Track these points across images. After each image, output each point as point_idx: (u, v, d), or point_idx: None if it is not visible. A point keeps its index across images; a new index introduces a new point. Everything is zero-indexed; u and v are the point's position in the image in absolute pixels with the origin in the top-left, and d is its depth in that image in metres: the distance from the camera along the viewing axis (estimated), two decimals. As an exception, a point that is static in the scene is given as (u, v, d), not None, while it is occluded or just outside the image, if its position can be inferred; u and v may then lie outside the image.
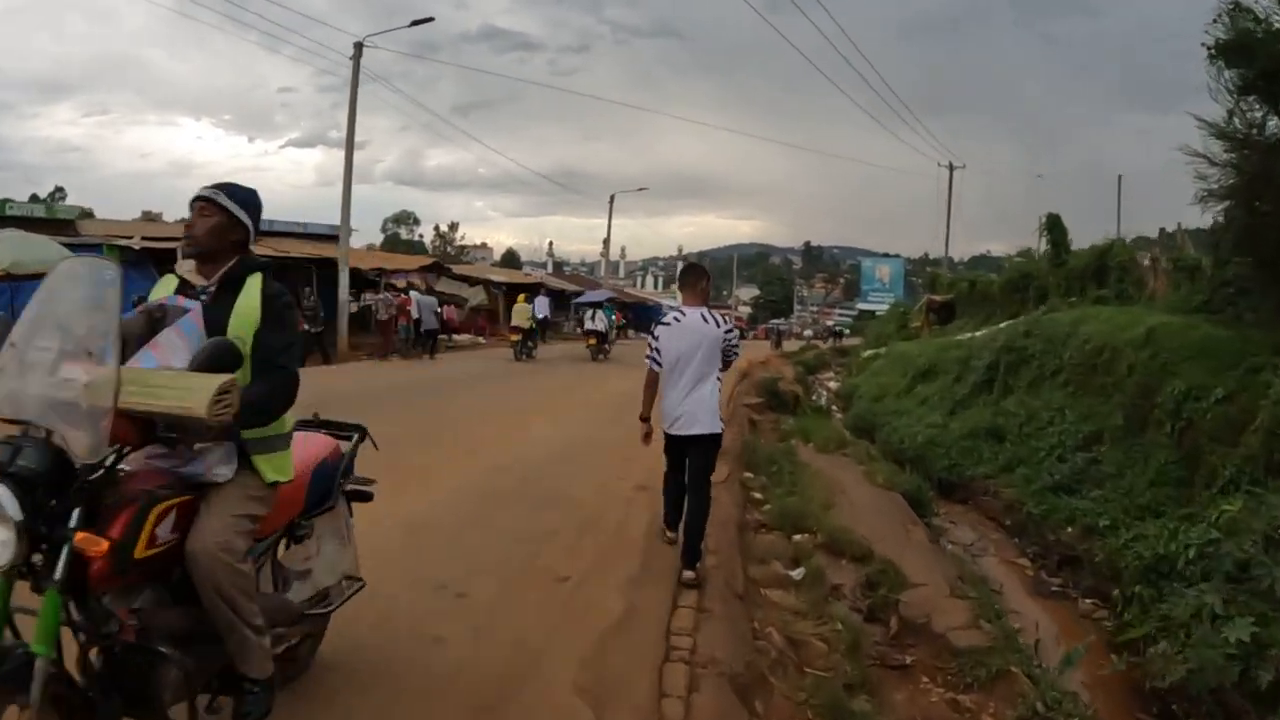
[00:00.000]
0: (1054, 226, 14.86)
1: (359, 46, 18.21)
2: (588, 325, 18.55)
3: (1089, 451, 7.90)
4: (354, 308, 25.44)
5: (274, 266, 2.35)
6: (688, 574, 4.08)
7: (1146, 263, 12.77)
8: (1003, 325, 15.14)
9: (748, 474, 7.35)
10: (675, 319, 4.29)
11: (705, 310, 4.30)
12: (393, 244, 57.70)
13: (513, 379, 14.11)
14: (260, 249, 19.38)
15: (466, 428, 8.47)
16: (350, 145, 18.93)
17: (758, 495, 6.66)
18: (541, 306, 19.53)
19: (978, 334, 16.54)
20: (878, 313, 74.05)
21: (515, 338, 17.37)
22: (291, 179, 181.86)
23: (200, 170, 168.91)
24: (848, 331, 59.85)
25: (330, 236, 20.26)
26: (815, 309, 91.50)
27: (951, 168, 30.78)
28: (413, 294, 18.37)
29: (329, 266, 18.36)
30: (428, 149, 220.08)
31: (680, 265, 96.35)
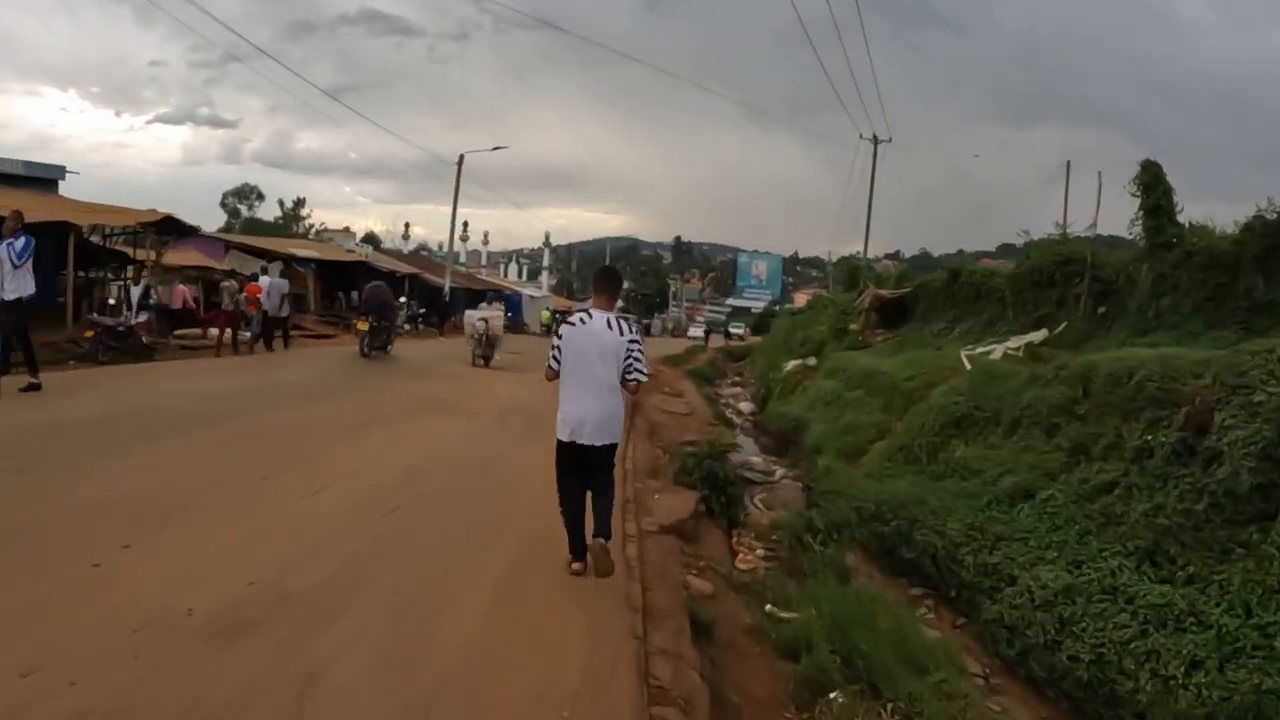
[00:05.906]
0: (1154, 183, 9.12)
1: None
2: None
3: None
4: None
5: None
6: (599, 540, 3.93)
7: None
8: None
9: None
10: (581, 320, 3.97)
11: (612, 316, 4.00)
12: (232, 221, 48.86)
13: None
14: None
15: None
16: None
17: None
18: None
19: (1002, 347, 10.78)
20: (753, 309, 70.72)
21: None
22: (157, 156, 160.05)
23: (61, 144, 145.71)
24: (716, 330, 54.98)
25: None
26: (688, 305, 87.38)
27: (876, 140, 25.46)
28: (262, 279, 14.99)
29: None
30: (298, 131, 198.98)
31: (546, 254, 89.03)
